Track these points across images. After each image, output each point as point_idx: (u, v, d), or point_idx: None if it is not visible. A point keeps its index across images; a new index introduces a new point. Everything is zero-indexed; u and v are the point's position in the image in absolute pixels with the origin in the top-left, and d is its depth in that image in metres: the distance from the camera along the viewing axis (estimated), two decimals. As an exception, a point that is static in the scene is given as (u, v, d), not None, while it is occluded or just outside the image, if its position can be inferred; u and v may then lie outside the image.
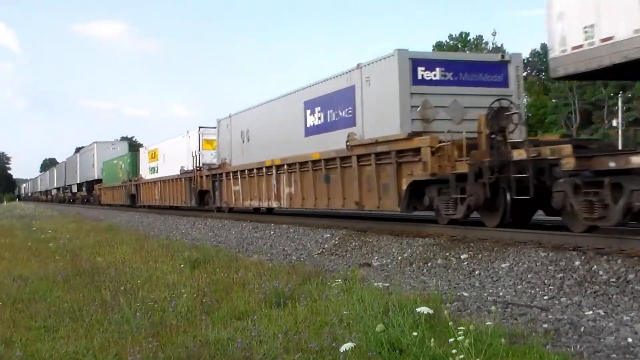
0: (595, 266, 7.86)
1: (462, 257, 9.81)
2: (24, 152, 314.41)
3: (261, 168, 19.53)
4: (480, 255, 9.61)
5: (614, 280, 7.38)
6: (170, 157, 31.78)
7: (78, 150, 74.97)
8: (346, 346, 4.42)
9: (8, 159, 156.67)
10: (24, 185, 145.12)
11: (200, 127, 27.56)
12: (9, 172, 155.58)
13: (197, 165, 26.52)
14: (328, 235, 14.06)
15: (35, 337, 5.85)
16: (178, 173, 29.06)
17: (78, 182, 61.19)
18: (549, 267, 8.29)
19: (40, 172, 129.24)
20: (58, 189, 77.43)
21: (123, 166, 41.66)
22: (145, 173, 37.05)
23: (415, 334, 4.69)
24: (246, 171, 20.85)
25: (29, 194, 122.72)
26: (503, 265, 8.90)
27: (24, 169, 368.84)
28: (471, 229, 11.56)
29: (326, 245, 13.29)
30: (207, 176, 25.09)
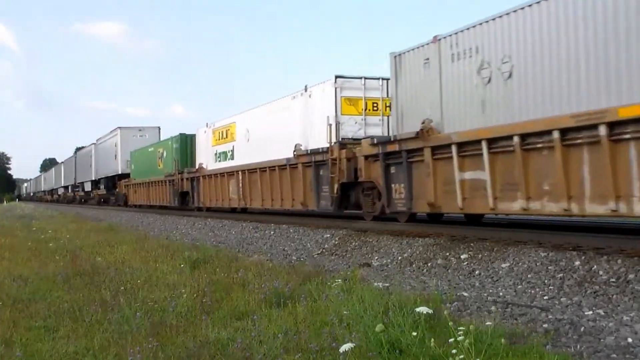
0: (595, 266, 7.86)
1: (462, 257, 9.82)
2: (24, 152, 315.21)
3: (590, 127, 9.20)
4: (480, 255, 9.62)
5: (614, 280, 7.39)
6: (261, 133, 21.46)
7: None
8: (346, 346, 4.42)
9: (8, 159, 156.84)
10: (25, 184, 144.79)
11: (337, 77, 17.05)
12: (9, 172, 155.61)
13: (337, 139, 16.43)
14: (328, 235, 14.06)
15: (35, 337, 5.85)
16: (288, 156, 18.68)
17: (93, 178, 52.08)
18: (549, 267, 8.30)
19: (41, 171, 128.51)
20: (66, 187, 69.90)
21: (165, 154, 32.25)
22: (208, 161, 26.53)
23: (415, 334, 4.69)
24: (515, 139, 10.50)
25: (31, 194, 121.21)
26: (503, 265, 8.91)
27: (24, 169, 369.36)
28: (471, 228, 11.57)
29: (326, 245, 13.29)
30: (368, 157, 14.79)
